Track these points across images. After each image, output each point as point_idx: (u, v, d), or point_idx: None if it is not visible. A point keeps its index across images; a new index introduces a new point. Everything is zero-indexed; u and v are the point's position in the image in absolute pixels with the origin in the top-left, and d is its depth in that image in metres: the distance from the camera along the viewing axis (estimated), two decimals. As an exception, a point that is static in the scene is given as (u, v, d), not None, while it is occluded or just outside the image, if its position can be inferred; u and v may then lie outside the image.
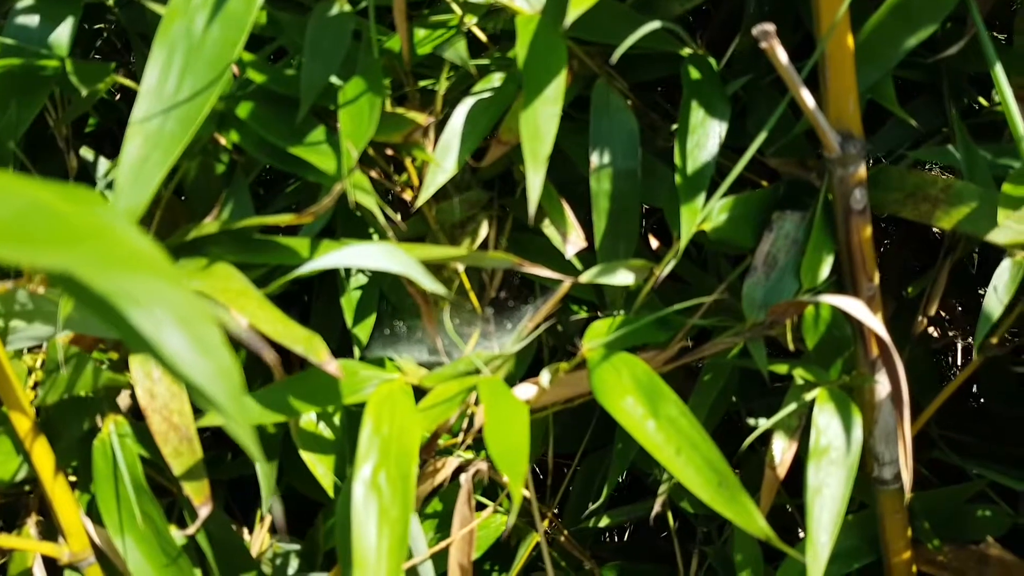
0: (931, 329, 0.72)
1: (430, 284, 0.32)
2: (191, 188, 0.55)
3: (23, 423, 0.48)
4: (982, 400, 0.68)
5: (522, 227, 0.57)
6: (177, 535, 0.61)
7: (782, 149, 0.50)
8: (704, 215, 0.45)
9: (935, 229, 0.64)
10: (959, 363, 0.70)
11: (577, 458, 0.65)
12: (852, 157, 0.44)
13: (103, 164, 0.63)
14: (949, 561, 0.54)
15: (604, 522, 0.65)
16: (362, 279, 0.57)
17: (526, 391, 0.50)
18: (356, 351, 0.54)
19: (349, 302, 0.56)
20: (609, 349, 0.45)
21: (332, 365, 0.38)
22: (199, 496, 0.48)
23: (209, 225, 0.46)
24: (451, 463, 0.55)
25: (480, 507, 0.64)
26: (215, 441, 0.69)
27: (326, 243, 0.45)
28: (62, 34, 0.49)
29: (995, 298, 0.42)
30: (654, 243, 0.58)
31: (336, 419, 0.59)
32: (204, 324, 0.23)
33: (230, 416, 0.23)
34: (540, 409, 0.53)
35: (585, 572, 0.70)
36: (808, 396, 0.46)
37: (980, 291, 0.63)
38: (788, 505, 0.63)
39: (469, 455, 0.62)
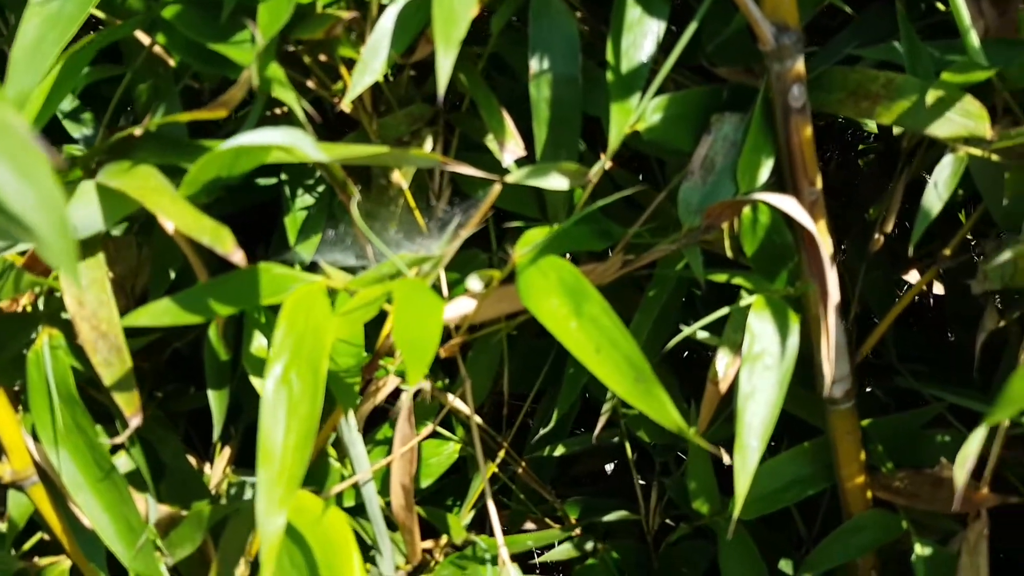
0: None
1: (313, 152, 0.31)
2: (142, 111, 0.54)
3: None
4: (953, 333, 0.67)
5: (471, 145, 0.56)
6: (117, 461, 0.61)
7: (727, 54, 0.49)
8: (637, 115, 0.44)
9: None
10: (933, 295, 0.69)
11: (533, 392, 0.64)
12: (787, 50, 0.42)
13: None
14: (903, 487, 0.53)
15: (559, 451, 0.64)
16: (308, 199, 0.56)
17: (463, 305, 0.49)
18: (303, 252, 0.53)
19: (293, 221, 0.55)
20: (540, 255, 0.44)
21: (238, 255, 0.37)
22: (129, 406, 0.48)
23: (133, 128, 0.45)
24: (391, 381, 0.54)
25: (437, 437, 0.64)
26: (178, 374, 0.69)
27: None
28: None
29: (935, 194, 0.41)
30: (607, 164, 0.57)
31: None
32: (31, 156, 0.22)
33: (51, 247, 0.22)
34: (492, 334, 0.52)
35: (547, 505, 0.69)
36: (744, 303, 0.44)
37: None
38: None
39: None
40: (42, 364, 0.50)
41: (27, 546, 0.59)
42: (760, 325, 0.44)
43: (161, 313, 0.42)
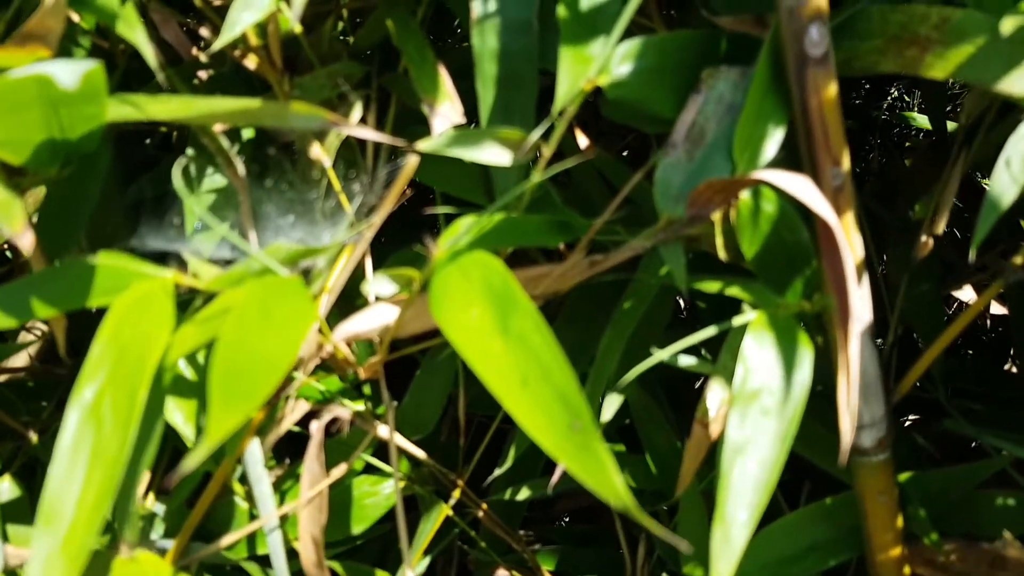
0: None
1: (71, 80, 0.21)
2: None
3: None
4: (1016, 362, 0.54)
5: (412, 113, 0.45)
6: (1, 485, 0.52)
7: (731, 2, 0.37)
8: (599, 64, 0.33)
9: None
10: (990, 315, 0.56)
11: (497, 419, 0.53)
12: (804, -26, 0.30)
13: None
14: (951, 562, 0.41)
15: (523, 494, 0.53)
16: (219, 181, 0.46)
17: (382, 313, 0.38)
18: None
19: (197, 203, 0.45)
20: (466, 250, 0.33)
21: (26, 239, 0.27)
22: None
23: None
24: (299, 407, 0.43)
25: (373, 471, 0.53)
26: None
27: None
28: None
29: (1007, 177, 0.29)
30: (582, 140, 0.45)
31: (200, 358, 0.48)
32: None
33: None
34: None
35: (513, 554, 0.58)
36: (740, 320, 0.33)
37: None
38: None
39: (358, 404, 0.50)
40: None
41: None
42: (758, 353, 0.32)
43: (-33, 313, 0.32)
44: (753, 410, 0.32)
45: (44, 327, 0.61)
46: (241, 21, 0.34)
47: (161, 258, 0.37)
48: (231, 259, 0.37)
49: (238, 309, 0.28)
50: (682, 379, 0.49)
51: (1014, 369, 0.55)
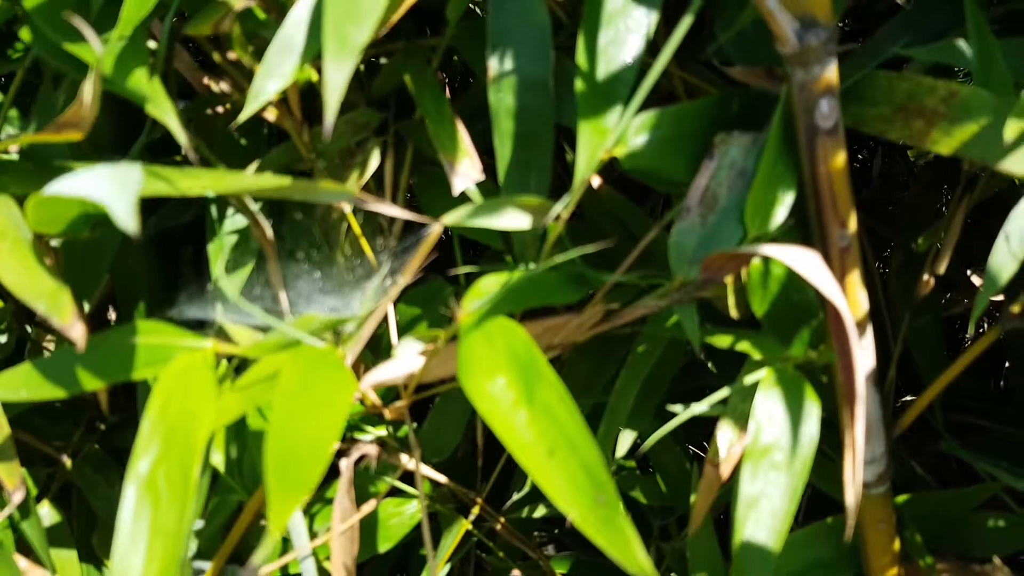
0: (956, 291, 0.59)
1: (126, 220, 0.22)
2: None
3: None
4: (1007, 379, 0.56)
5: (428, 158, 0.47)
6: (41, 511, 0.54)
7: (744, 48, 0.38)
8: (615, 136, 0.34)
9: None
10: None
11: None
12: (815, 51, 0.31)
13: None
14: (947, 582, 0.43)
15: (539, 512, 0.55)
16: (240, 221, 0.47)
17: (410, 361, 0.40)
18: (219, 309, 0.44)
19: (218, 248, 0.46)
20: (491, 312, 0.35)
21: (76, 330, 0.29)
22: (10, 479, 0.40)
23: (7, 143, 0.36)
24: (328, 444, 0.45)
25: (397, 491, 0.55)
26: (118, 406, 0.61)
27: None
28: None
29: (1006, 251, 0.30)
30: (595, 180, 0.47)
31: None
32: None
33: None
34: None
35: (530, 561, 0.60)
36: (749, 379, 0.35)
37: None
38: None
39: (380, 430, 0.52)
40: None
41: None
42: (769, 409, 0.34)
43: (17, 384, 0.34)
44: (764, 465, 0.34)
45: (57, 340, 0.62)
46: (266, 91, 0.35)
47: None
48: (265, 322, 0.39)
49: (281, 392, 0.29)
50: (692, 398, 0.51)
51: (1005, 385, 0.57)
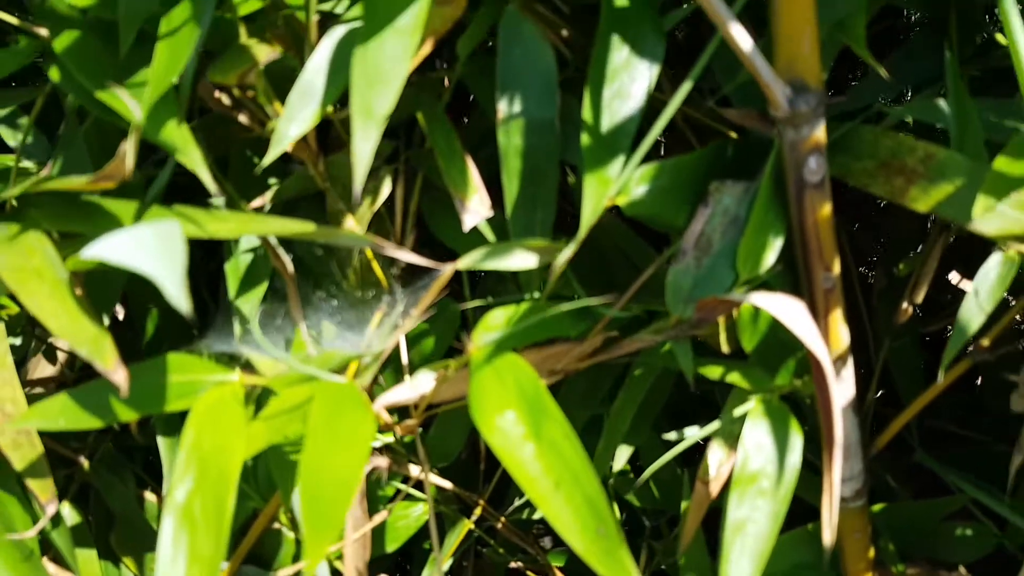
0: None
1: (178, 296, 0.24)
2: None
3: None
4: (982, 395, 0.59)
5: (437, 185, 0.49)
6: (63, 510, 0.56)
7: (741, 92, 0.41)
8: (618, 186, 0.36)
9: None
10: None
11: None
12: (805, 115, 0.34)
13: None
14: (917, 587, 0.47)
15: (538, 514, 0.58)
16: (255, 240, 0.50)
17: (422, 384, 0.43)
18: (237, 329, 0.47)
19: (235, 269, 0.48)
20: (500, 346, 0.37)
21: (119, 375, 0.31)
22: (44, 493, 0.43)
23: (17, 186, 0.38)
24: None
25: (406, 497, 0.58)
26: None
27: (156, 210, 0.37)
28: None
29: (975, 303, 0.33)
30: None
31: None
32: None
33: None
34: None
35: (528, 555, 0.64)
36: (738, 410, 0.38)
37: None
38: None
39: (387, 437, 0.55)
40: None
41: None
42: (756, 439, 0.37)
43: (56, 414, 0.37)
44: (751, 492, 0.37)
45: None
46: (289, 135, 0.37)
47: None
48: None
49: (309, 433, 0.32)
50: (682, 413, 0.53)
51: (979, 391, 0.60)
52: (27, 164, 0.53)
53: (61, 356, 0.65)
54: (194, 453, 0.34)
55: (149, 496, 0.62)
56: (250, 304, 0.48)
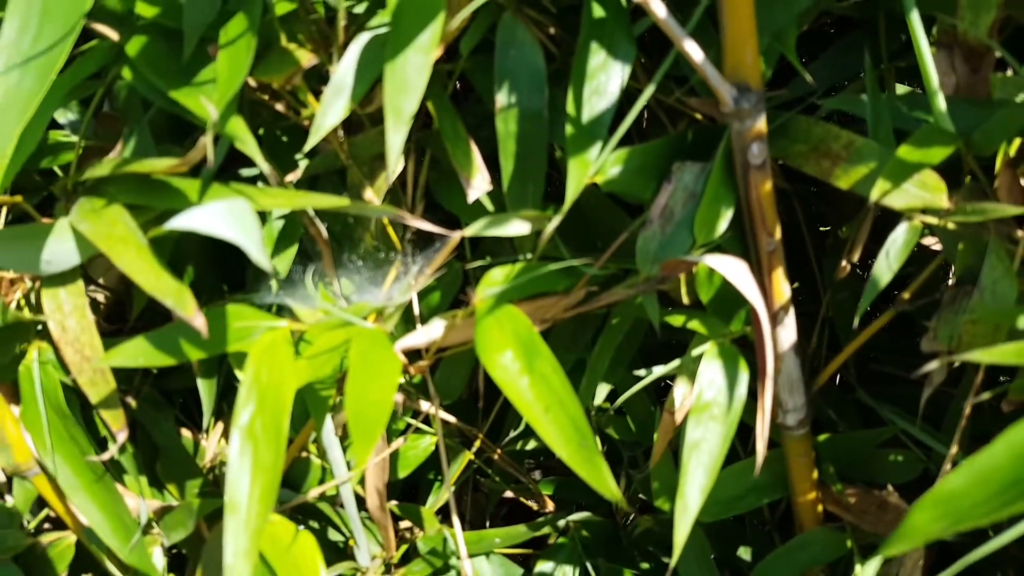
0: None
1: (260, 258, 0.32)
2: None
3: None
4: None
5: (441, 161, 0.56)
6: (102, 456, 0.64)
7: (704, 88, 0.48)
8: (596, 168, 0.44)
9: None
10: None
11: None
12: (748, 112, 0.41)
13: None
14: (852, 504, 0.55)
15: (531, 445, 0.67)
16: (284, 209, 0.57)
17: (433, 330, 0.51)
18: (274, 285, 0.55)
19: (269, 232, 0.56)
20: (500, 299, 0.45)
21: (199, 320, 0.39)
22: (116, 423, 0.51)
23: (102, 166, 0.45)
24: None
25: (415, 431, 0.67)
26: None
27: (216, 187, 0.45)
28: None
29: (885, 264, 0.41)
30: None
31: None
32: None
33: None
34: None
35: (521, 484, 0.73)
36: (696, 352, 0.46)
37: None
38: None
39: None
40: (32, 379, 0.53)
41: (33, 524, 0.64)
42: (710, 374, 0.46)
43: (136, 353, 0.45)
44: (705, 417, 0.45)
45: (106, 291, 0.71)
46: (325, 124, 0.45)
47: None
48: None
49: (351, 367, 0.40)
50: (655, 354, 0.62)
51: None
52: (73, 138, 0.60)
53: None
54: (254, 384, 0.42)
55: (185, 432, 0.70)
56: (284, 264, 0.56)
